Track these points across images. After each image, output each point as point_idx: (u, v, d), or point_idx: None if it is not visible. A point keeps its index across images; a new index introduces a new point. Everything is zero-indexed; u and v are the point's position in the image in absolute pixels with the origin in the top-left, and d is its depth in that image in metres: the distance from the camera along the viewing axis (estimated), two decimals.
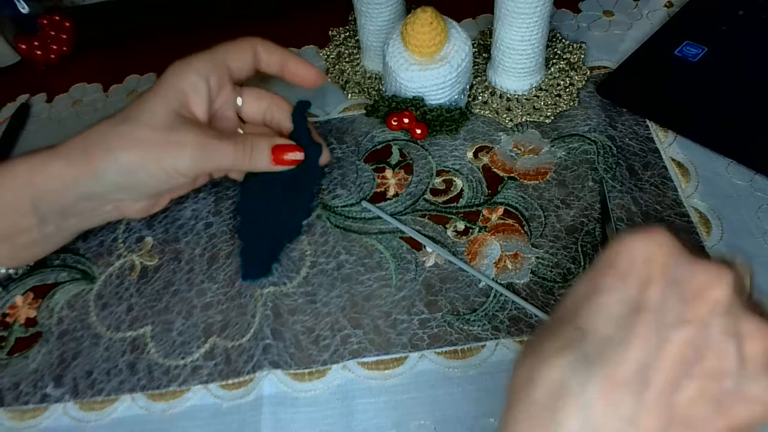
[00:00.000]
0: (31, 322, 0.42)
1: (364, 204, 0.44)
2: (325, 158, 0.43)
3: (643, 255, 0.24)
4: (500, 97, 0.50)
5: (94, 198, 0.38)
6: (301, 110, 0.43)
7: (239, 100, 0.42)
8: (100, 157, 0.37)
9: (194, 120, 0.39)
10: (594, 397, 0.22)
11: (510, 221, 0.42)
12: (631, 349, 0.22)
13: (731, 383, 0.23)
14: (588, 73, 0.50)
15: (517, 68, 0.48)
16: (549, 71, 0.51)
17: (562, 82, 0.50)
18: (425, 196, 0.45)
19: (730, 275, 0.23)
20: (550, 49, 0.52)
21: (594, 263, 0.25)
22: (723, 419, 0.23)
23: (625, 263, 0.24)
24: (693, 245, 0.27)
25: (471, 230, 0.42)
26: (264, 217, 0.43)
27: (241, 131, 0.43)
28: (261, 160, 0.40)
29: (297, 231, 0.43)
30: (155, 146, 0.37)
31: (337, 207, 0.45)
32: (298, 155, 0.41)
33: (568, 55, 0.52)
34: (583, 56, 0.52)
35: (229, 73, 0.41)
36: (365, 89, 0.52)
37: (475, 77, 0.51)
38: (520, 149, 0.46)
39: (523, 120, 0.48)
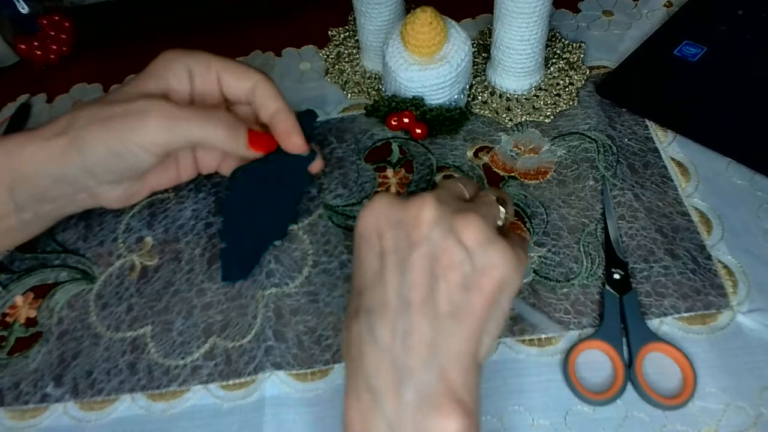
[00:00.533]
0: (31, 321, 0.42)
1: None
2: (316, 167, 0.43)
3: (372, 218, 0.31)
4: (500, 96, 0.50)
5: (66, 183, 0.38)
6: (306, 120, 0.42)
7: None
8: (68, 137, 0.36)
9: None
10: (380, 332, 0.28)
11: (512, 220, 0.42)
12: (388, 286, 0.29)
13: (468, 267, 0.29)
14: (587, 72, 0.51)
15: (516, 68, 0.48)
16: (548, 71, 0.51)
17: (561, 82, 0.50)
18: None
19: (430, 197, 0.30)
20: (549, 48, 0.52)
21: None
22: (477, 295, 0.29)
23: (364, 230, 0.31)
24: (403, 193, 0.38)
25: None
26: (248, 219, 0.42)
27: None
28: (238, 139, 0.39)
29: (281, 234, 0.43)
30: (113, 119, 0.36)
31: (339, 206, 0.45)
32: (274, 144, 0.40)
33: (567, 55, 0.52)
34: (582, 56, 0.52)
35: (219, 88, 0.40)
36: (365, 89, 0.52)
37: (475, 77, 0.51)
38: (520, 149, 0.46)
39: (522, 119, 0.48)
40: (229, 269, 0.42)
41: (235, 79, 0.40)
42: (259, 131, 0.40)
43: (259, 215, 0.42)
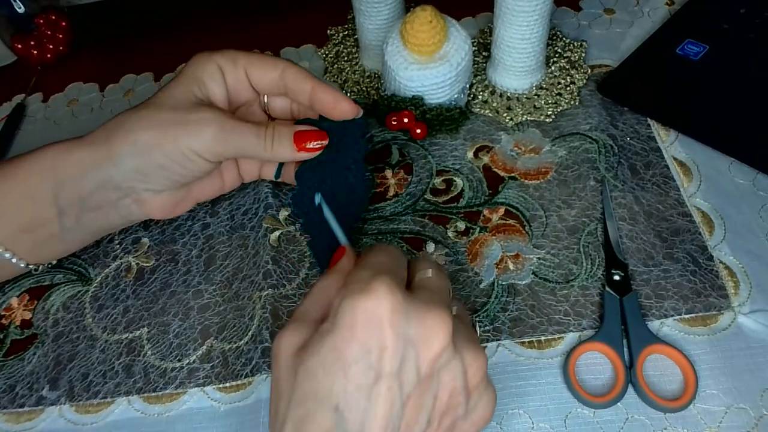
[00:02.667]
0: (26, 324, 0.42)
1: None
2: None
3: (376, 314, 0.25)
4: (500, 96, 0.49)
5: (111, 186, 0.37)
6: (354, 127, 0.40)
7: (265, 97, 0.42)
8: (120, 139, 0.36)
9: (215, 105, 0.39)
10: None
11: (511, 221, 0.42)
12: (377, 411, 0.25)
13: (461, 410, 0.27)
14: (589, 71, 0.50)
15: (517, 67, 0.47)
16: (549, 70, 0.50)
17: (562, 81, 0.49)
18: (425, 196, 0.44)
19: (447, 316, 0.26)
20: (550, 47, 0.51)
21: (333, 324, 0.26)
22: None
23: (361, 325, 0.25)
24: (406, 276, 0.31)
25: (472, 230, 0.42)
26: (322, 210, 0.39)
27: None
28: (283, 146, 0.38)
29: (362, 207, 0.42)
30: (172, 124, 0.36)
31: None
32: (323, 142, 0.39)
33: (568, 54, 0.51)
34: (583, 54, 0.51)
35: (248, 81, 0.40)
36: (364, 89, 0.52)
37: (475, 76, 0.50)
38: (520, 149, 0.46)
39: (523, 119, 0.48)
40: (322, 259, 0.40)
41: (261, 71, 0.39)
42: (302, 130, 0.39)
43: (333, 199, 0.40)
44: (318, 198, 0.39)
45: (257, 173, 0.44)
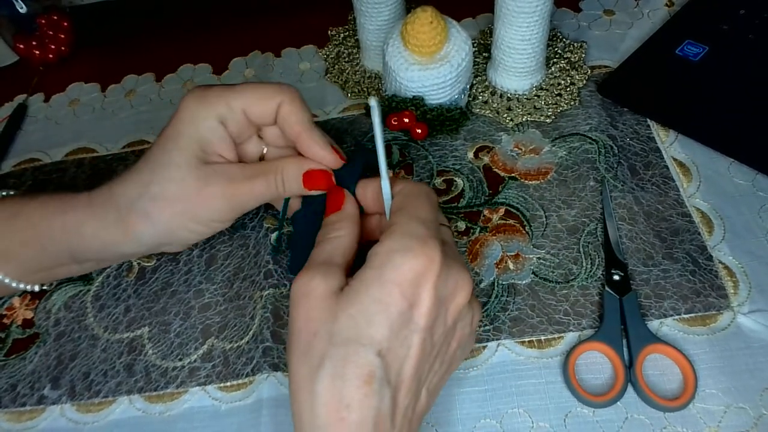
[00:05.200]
0: (28, 323, 0.42)
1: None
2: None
3: (420, 279, 0.28)
4: (501, 96, 0.49)
5: (134, 254, 0.40)
6: (361, 156, 0.38)
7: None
8: (137, 222, 0.36)
9: (221, 161, 0.37)
10: (389, 408, 0.28)
11: (511, 221, 0.42)
12: (413, 365, 0.28)
13: (461, 352, 0.33)
14: (589, 72, 0.50)
15: (517, 68, 0.48)
16: (550, 70, 0.50)
17: (562, 82, 0.49)
18: None
19: (470, 279, 0.30)
20: (550, 48, 0.52)
21: (380, 277, 0.28)
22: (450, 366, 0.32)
23: (408, 288, 0.28)
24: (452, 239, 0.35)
25: (472, 230, 0.42)
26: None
27: (265, 150, 0.40)
28: (293, 186, 0.38)
29: None
30: (188, 203, 0.36)
31: None
32: (331, 180, 0.37)
33: (568, 55, 0.51)
34: (583, 55, 0.52)
35: (247, 119, 0.38)
36: (365, 89, 0.52)
37: (476, 77, 0.51)
38: (520, 149, 0.46)
39: (523, 120, 0.48)
40: (297, 262, 0.37)
41: (258, 107, 0.37)
42: (312, 170, 0.37)
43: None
44: (373, 102, 0.33)
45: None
